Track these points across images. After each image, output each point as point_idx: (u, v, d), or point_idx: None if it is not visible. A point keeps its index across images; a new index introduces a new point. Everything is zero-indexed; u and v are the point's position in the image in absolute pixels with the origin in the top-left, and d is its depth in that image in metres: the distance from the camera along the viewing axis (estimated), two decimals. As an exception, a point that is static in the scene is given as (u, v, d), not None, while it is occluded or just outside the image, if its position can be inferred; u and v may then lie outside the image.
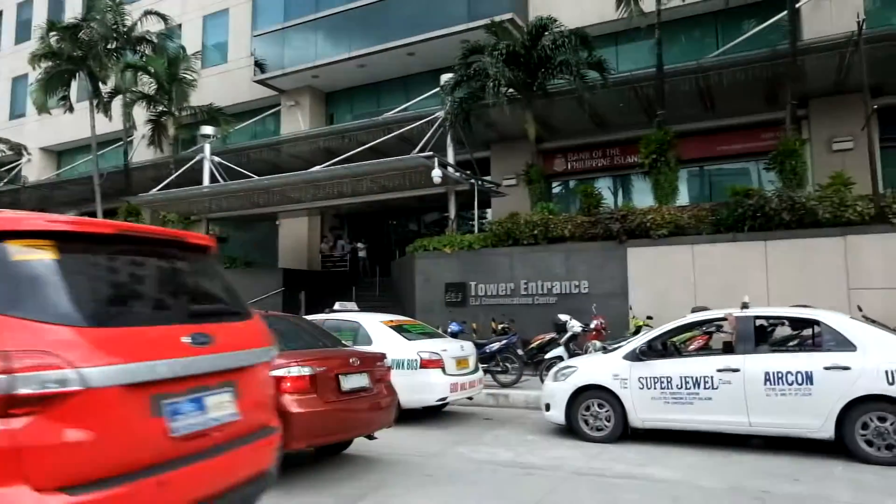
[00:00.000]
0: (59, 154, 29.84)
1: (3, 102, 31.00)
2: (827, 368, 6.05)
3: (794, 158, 12.05)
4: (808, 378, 6.07)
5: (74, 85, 22.17)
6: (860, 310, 9.30)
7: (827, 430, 5.99)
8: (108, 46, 20.65)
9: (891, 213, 10.04)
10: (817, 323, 6.72)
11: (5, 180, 27.37)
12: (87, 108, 21.54)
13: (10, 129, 28.98)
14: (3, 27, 31.79)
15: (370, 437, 6.31)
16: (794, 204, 10.59)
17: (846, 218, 10.29)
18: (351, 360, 5.93)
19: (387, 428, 6.35)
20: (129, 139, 22.36)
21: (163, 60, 20.24)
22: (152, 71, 20.14)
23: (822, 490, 5.12)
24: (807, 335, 7.69)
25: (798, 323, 7.58)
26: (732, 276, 10.56)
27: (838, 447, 6.01)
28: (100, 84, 21.14)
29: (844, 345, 6.18)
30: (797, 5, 14.26)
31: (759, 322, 7.12)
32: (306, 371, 5.36)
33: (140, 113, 21.75)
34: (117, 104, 21.31)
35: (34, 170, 28.18)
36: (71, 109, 21.84)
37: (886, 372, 5.84)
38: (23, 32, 30.15)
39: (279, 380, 5.22)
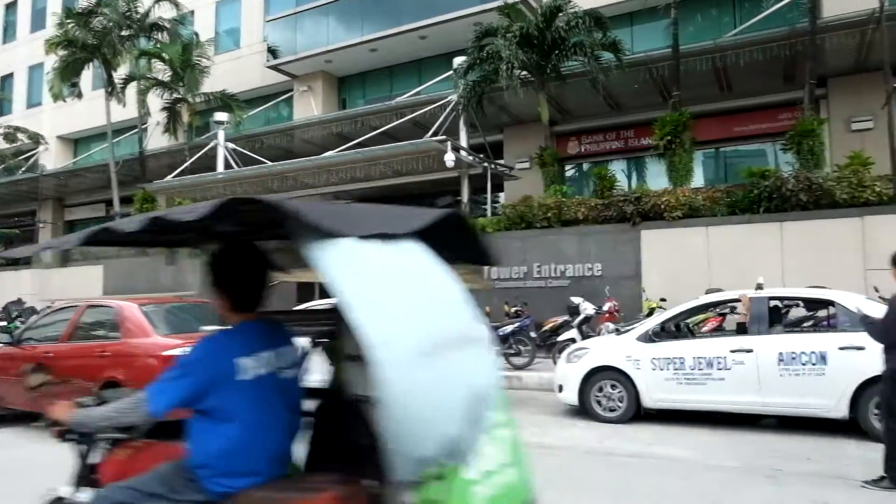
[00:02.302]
0: (76, 142, 30.14)
1: (21, 91, 31.33)
2: (841, 349, 6.03)
3: (812, 139, 11.86)
4: (822, 358, 6.06)
5: (89, 73, 22.35)
6: (877, 290, 9.17)
7: (841, 410, 5.98)
8: (122, 33, 20.74)
9: (910, 193, 9.90)
10: (832, 303, 6.69)
11: (23, 169, 27.75)
12: (102, 95, 21.73)
13: (28, 118, 29.30)
14: (18, 15, 32.06)
15: None
16: (811, 185, 10.46)
17: (864, 199, 10.15)
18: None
19: None
20: (143, 126, 22.52)
21: (176, 47, 20.28)
22: (166, 58, 20.20)
23: (835, 469, 5.12)
24: (822, 316, 7.65)
25: (813, 304, 7.55)
26: (747, 258, 10.48)
27: (852, 427, 6.00)
28: (113, 71, 21.28)
29: (859, 325, 6.14)
30: (817, -18, 13.97)
31: (773, 303, 7.10)
32: None
33: (154, 100, 21.90)
34: (132, 91, 21.45)
35: (51, 158, 28.49)
36: (80, 96, 21.99)
37: (902, 352, 5.80)
38: (38, 20, 30.39)
39: None
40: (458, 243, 2.38)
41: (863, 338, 5.97)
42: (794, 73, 14.09)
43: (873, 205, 10.10)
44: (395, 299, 1.77)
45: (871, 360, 5.87)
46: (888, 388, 4.78)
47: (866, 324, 5.13)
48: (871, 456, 5.40)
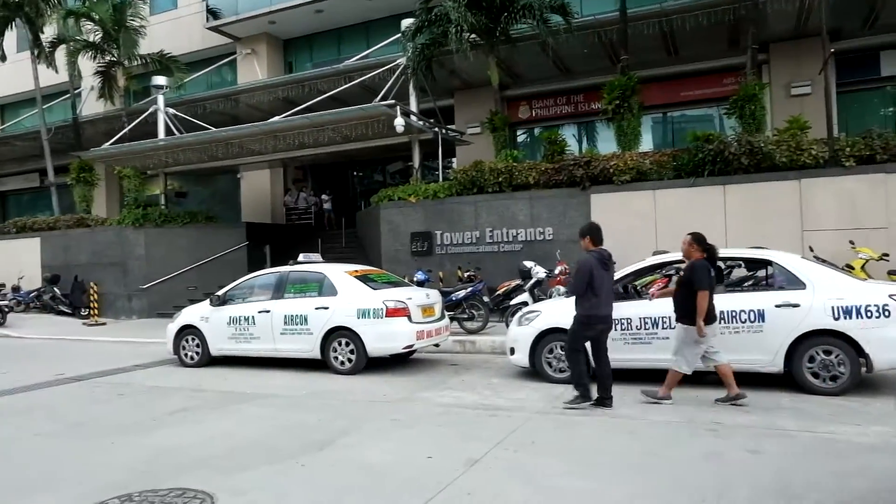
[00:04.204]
0: (2, 108, 28.39)
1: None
2: (778, 306, 6.28)
3: (754, 103, 12.13)
4: (760, 315, 6.31)
5: (14, 34, 20.93)
6: (811, 250, 9.63)
7: (776, 365, 6.27)
8: (46, -9, 19.42)
9: (843, 156, 10.27)
10: (770, 263, 6.94)
11: (-54, 136, 25.96)
12: (28, 58, 20.39)
13: (-53, 82, 27.32)
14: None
15: None
16: (752, 148, 10.73)
17: (801, 162, 10.49)
18: None
19: None
20: (76, 91, 21.33)
21: (107, 6, 19.13)
22: (96, 18, 19.06)
23: (770, 419, 5.38)
24: (761, 275, 7.94)
25: (752, 264, 7.79)
26: (692, 220, 10.68)
27: (787, 380, 6.31)
28: (40, 33, 19.95)
29: (795, 283, 6.41)
30: (760, -54, 14.12)
31: (716, 263, 7.31)
32: None
33: (87, 64, 20.70)
34: (61, 54, 20.21)
35: (-25, 125, 26.80)
36: (3, 59, 20.61)
37: (833, 308, 6.10)
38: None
39: None
40: None
41: (798, 295, 6.27)
42: (738, 38, 14.33)
43: (810, 167, 10.46)
44: None
45: (805, 316, 6.17)
46: (574, 327, 6.20)
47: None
48: (802, 406, 5.70)
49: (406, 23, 15.11)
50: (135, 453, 5.03)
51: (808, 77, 14.10)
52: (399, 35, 15.86)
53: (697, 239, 6.09)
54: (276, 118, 16.03)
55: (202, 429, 5.78)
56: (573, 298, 6.43)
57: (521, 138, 18.75)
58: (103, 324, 15.54)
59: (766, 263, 7.20)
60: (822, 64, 11.52)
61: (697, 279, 5.81)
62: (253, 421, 6.02)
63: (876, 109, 15.14)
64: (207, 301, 9.58)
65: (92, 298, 16.14)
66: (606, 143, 15.78)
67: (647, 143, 15.72)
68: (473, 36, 14.12)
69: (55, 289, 17.34)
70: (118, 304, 16.82)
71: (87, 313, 16.21)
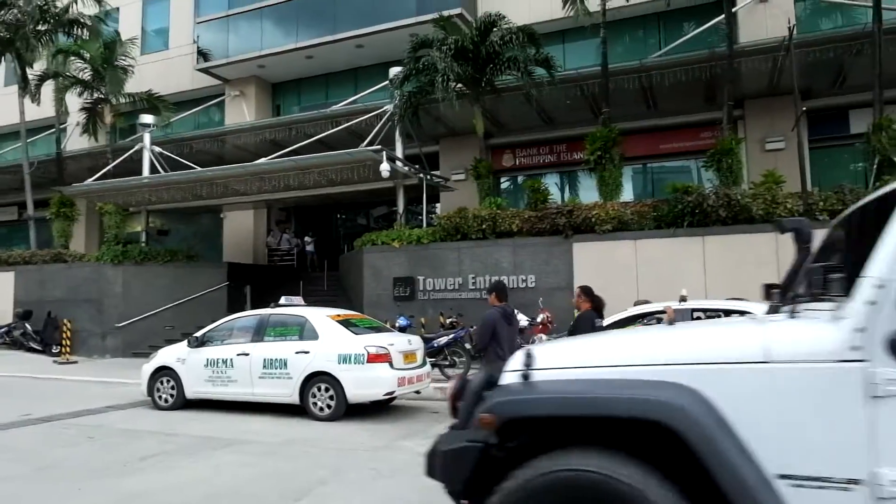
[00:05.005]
0: (-15, 141, 28.18)
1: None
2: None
3: (731, 157, 12.52)
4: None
5: (2, 67, 20.98)
6: (789, 302, 9.78)
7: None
8: (38, 28, 19.59)
9: (817, 210, 10.58)
10: (749, 314, 7.03)
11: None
12: (15, 92, 20.41)
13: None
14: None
15: None
16: (729, 201, 11.01)
17: (777, 214, 10.77)
18: None
19: None
20: (62, 126, 21.32)
21: (98, 45, 19.34)
22: (87, 56, 19.22)
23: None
24: (740, 327, 8.03)
25: (731, 315, 7.90)
26: (672, 270, 10.92)
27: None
28: (29, 68, 20.04)
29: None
30: (734, 9, 14.81)
31: (696, 314, 7.41)
32: None
33: (74, 100, 20.77)
34: (48, 89, 20.28)
35: (-43, 157, 26.51)
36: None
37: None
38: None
39: None
40: None
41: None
42: (714, 95, 14.86)
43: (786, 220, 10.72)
44: None
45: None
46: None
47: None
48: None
49: (394, 71, 15.46)
50: (104, 499, 4.86)
51: (782, 133, 14.60)
52: (387, 82, 16.20)
53: (585, 291, 6.68)
54: (263, 160, 16.13)
55: (175, 475, 5.61)
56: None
57: (504, 186, 19.02)
58: (75, 362, 15.16)
59: (743, 314, 7.29)
60: (795, 121, 11.97)
61: (579, 328, 6.32)
62: (228, 468, 5.87)
63: (846, 165, 15.66)
64: (185, 342, 9.42)
65: (65, 336, 15.77)
66: (588, 192, 16.08)
67: (627, 194, 16.04)
68: (459, 85, 14.48)
69: (26, 325, 16.94)
70: (91, 342, 16.45)
71: (57, 351, 15.81)
